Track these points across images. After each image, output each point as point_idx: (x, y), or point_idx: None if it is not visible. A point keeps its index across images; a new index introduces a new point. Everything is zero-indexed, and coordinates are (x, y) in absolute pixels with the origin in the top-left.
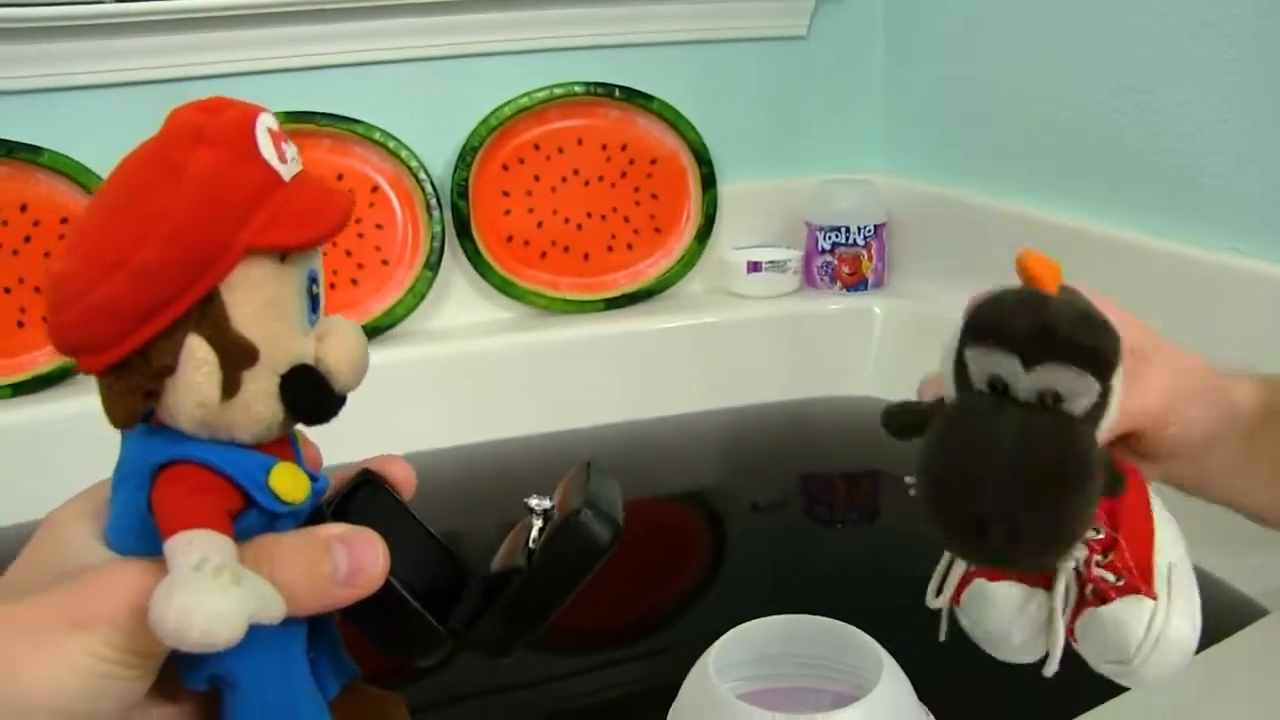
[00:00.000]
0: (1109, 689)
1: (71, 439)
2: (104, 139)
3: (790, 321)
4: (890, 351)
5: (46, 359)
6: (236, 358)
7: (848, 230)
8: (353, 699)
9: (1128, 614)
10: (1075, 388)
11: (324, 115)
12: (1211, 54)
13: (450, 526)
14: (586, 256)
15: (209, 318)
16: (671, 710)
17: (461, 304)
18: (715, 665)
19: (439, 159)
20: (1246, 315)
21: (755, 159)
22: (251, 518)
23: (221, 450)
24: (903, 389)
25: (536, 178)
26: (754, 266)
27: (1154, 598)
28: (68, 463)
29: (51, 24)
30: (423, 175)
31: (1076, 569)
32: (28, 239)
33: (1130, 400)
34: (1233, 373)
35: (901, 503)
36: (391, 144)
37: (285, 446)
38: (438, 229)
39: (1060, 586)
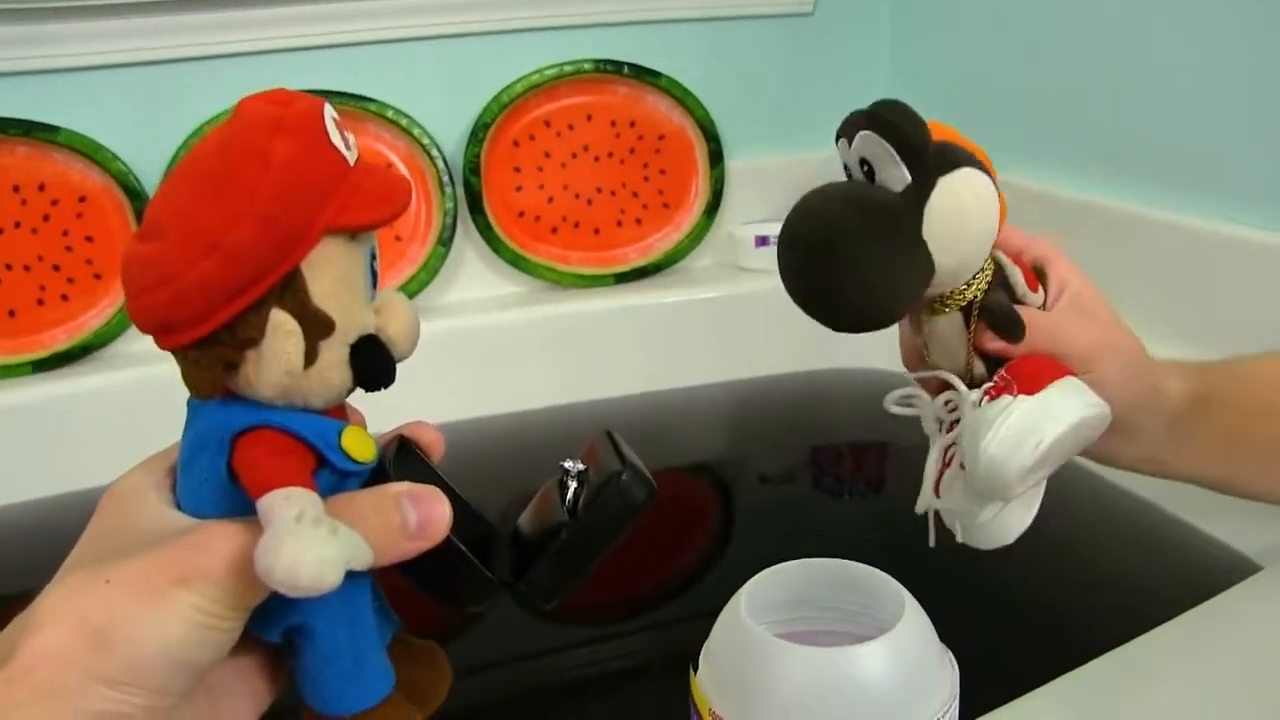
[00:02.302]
0: (1122, 637)
1: (91, 415)
2: (119, 117)
3: None
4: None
5: (66, 336)
6: (316, 329)
7: None
8: (400, 647)
9: (992, 409)
10: (880, 153)
11: (337, 93)
12: (1212, 32)
13: (464, 495)
14: (596, 231)
15: (291, 292)
16: (704, 650)
17: (473, 279)
18: (746, 606)
19: (451, 136)
20: (1243, 283)
21: (762, 135)
22: (323, 477)
23: (297, 416)
24: None
25: (547, 154)
26: (762, 241)
27: (1016, 395)
28: (87, 438)
29: (68, 5)
30: (435, 152)
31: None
32: (46, 218)
33: (1061, 327)
34: (1168, 362)
35: (908, 474)
36: (404, 121)
37: (343, 412)
38: (450, 205)
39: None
